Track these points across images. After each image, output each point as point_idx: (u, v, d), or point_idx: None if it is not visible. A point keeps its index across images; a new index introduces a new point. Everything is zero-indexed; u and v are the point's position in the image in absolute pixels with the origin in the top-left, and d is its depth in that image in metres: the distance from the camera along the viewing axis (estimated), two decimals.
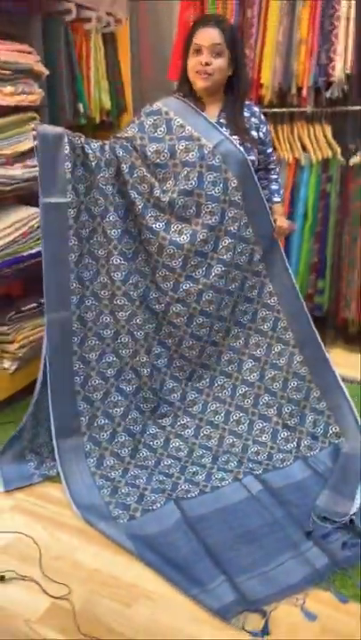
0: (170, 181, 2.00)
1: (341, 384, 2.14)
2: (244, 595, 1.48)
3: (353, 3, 2.63)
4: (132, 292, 2.05)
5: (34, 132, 1.83)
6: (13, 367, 2.43)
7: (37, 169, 2.31)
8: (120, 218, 2.01)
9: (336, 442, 2.10)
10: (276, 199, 2.18)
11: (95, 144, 1.95)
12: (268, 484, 1.91)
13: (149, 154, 1.98)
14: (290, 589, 1.51)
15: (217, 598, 1.46)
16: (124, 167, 1.98)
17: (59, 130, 1.87)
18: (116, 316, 2.05)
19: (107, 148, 1.97)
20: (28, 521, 1.80)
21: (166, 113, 2.00)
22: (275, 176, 2.20)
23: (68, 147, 1.85)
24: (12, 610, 1.47)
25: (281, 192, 2.21)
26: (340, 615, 1.45)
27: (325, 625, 1.43)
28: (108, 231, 1.99)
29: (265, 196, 2.10)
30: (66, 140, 1.85)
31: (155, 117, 2.00)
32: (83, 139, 1.93)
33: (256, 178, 2.04)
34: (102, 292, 2.04)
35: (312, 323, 2.16)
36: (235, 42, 1.96)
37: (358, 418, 2.10)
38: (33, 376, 2.52)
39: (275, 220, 2.11)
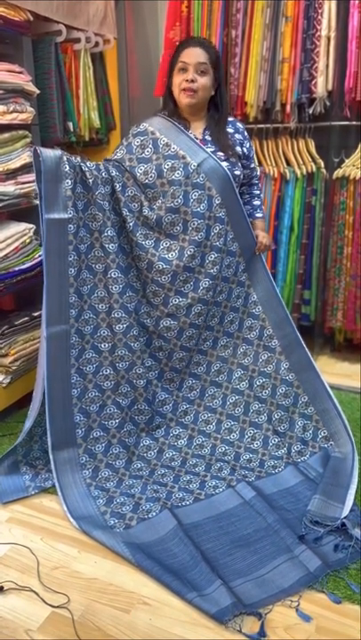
0: (159, 200, 2.05)
1: (328, 388, 2.18)
2: (241, 598, 1.50)
3: (333, 24, 2.73)
4: (128, 305, 2.09)
5: (37, 151, 1.85)
6: (7, 381, 2.45)
7: (28, 186, 2.39)
8: (116, 233, 2.06)
9: (325, 446, 2.14)
10: (258, 215, 2.24)
11: (91, 163, 2.01)
12: (261, 490, 1.95)
13: (138, 175, 2.04)
14: (285, 592, 1.54)
15: (214, 602, 1.48)
16: (117, 186, 2.03)
17: (57, 151, 1.91)
18: (114, 328, 2.07)
19: (102, 167, 2.03)
20: (25, 532, 1.82)
21: (152, 133, 2.06)
22: (257, 192, 2.26)
23: (67, 165, 1.90)
24: (13, 620, 1.49)
25: (262, 208, 2.27)
26: (335, 616, 1.48)
27: (320, 626, 1.46)
28: (106, 245, 2.03)
29: (247, 211, 2.17)
30: (65, 159, 1.90)
31: (141, 138, 2.06)
32: (79, 158, 1.98)
33: (238, 194, 2.09)
34: (100, 306, 2.06)
35: (296, 330, 2.21)
36: (218, 63, 2.03)
37: (346, 422, 2.14)
38: (26, 389, 2.56)
39: (256, 236, 2.17)
